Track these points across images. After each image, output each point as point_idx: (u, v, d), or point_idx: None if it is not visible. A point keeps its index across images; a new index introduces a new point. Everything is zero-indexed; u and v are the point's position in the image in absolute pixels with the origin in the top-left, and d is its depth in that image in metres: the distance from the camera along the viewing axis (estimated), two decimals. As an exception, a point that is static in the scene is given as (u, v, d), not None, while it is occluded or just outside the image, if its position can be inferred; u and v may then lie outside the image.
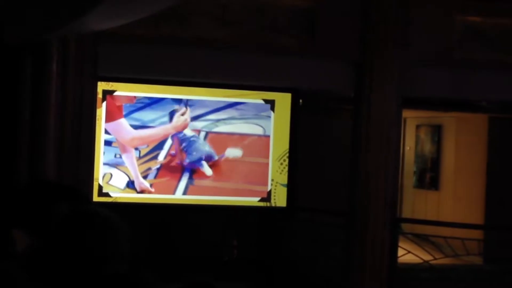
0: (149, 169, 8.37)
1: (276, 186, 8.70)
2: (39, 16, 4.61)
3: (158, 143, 8.39)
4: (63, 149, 6.34)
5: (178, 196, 8.47)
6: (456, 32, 8.16)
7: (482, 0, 8.24)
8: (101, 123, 8.18)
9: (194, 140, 8.44)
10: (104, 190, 8.23)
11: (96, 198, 8.12)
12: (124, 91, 8.32)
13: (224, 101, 8.43)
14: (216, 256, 9.01)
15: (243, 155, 8.54)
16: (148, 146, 8.36)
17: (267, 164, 8.59)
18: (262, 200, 8.68)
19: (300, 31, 7.84)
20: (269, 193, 8.69)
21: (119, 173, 8.25)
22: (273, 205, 8.71)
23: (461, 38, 8.18)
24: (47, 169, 5.99)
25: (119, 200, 8.24)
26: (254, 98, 8.65)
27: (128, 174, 8.29)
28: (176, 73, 7.90)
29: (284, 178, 8.72)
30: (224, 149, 8.53)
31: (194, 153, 8.45)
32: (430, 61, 8.17)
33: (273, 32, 7.75)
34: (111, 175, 8.24)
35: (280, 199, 8.71)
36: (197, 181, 8.47)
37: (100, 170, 8.22)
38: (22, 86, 5.83)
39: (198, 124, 8.50)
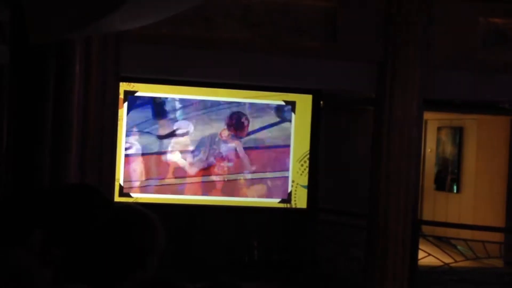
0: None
1: (296, 187, 8.70)
2: (63, 16, 4.63)
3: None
4: (86, 149, 6.34)
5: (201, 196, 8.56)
6: (479, 33, 8.11)
7: (505, 1, 8.19)
8: (122, 123, 8.22)
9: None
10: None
11: (117, 198, 8.17)
12: (146, 91, 8.36)
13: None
14: (236, 257, 9.01)
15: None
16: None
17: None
18: (282, 201, 8.68)
19: (322, 32, 7.83)
20: (290, 194, 8.68)
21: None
22: (293, 206, 8.71)
23: (484, 40, 8.14)
24: (70, 168, 6.00)
25: (139, 201, 8.27)
26: (275, 99, 8.66)
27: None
28: (198, 74, 7.90)
29: (304, 180, 8.72)
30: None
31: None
32: (452, 62, 8.12)
33: (295, 33, 7.74)
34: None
35: (300, 201, 8.71)
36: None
37: (121, 170, 8.27)
38: (46, 86, 5.85)
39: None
